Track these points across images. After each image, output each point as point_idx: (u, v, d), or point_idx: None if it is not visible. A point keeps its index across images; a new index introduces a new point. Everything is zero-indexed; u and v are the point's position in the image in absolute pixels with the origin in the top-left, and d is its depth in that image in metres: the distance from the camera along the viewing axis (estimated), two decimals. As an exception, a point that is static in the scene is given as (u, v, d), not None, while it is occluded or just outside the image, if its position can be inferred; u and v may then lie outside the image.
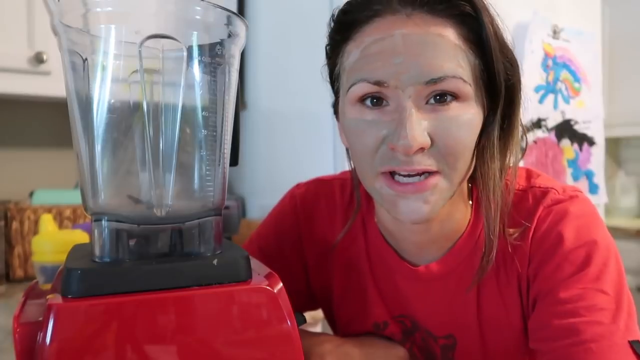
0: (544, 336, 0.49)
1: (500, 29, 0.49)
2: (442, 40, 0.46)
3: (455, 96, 0.47)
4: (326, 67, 0.57)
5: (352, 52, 0.49)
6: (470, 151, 0.49)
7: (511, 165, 0.53)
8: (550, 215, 0.53)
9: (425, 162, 0.47)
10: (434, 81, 0.45)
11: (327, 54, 0.55)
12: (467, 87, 0.47)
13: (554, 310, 0.49)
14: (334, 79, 0.55)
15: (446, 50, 0.46)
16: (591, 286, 0.48)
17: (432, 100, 0.47)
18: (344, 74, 0.52)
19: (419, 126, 0.45)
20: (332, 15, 0.53)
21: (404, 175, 0.48)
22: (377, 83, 0.47)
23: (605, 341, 0.45)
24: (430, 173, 0.48)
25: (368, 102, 0.48)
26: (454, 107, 0.47)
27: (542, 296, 0.51)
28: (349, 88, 0.49)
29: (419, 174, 0.47)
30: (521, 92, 0.51)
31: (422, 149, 0.46)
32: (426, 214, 0.48)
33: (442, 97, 0.46)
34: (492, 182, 0.50)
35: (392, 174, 0.49)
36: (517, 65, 0.51)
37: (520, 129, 0.53)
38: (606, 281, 0.49)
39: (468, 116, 0.47)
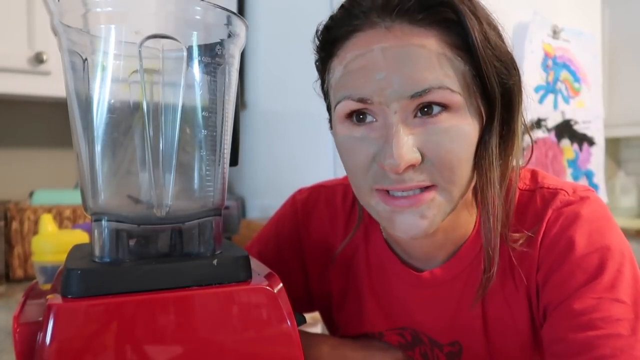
0: (559, 351, 0.47)
1: (493, 31, 0.47)
2: (424, 50, 0.44)
3: (444, 106, 0.45)
4: (319, 83, 0.56)
5: (336, 69, 0.48)
6: (468, 163, 0.47)
7: (514, 165, 0.50)
8: (560, 218, 0.50)
9: (418, 178, 0.45)
10: (419, 94, 0.44)
11: (317, 69, 0.54)
12: (457, 97, 0.45)
13: (569, 323, 0.47)
14: (325, 95, 0.54)
15: (429, 61, 0.44)
16: (606, 295, 0.46)
17: (419, 114, 0.45)
18: (331, 90, 0.50)
19: (406, 143, 0.44)
20: (317, 31, 0.52)
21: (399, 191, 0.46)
22: (361, 100, 0.45)
23: (624, 356, 0.43)
24: (426, 187, 0.46)
25: (354, 118, 0.47)
26: (444, 119, 0.45)
27: (554, 306, 0.49)
28: (336, 106, 0.48)
29: (414, 189, 0.46)
30: (521, 97, 0.49)
31: (412, 166, 0.45)
32: (424, 229, 0.46)
33: (429, 109, 0.45)
34: (489, 192, 0.48)
35: (387, 190, 0.47)
36: (515, 68, 0.48)
37: (521, 133, 0.51)
38: (622, 289, 0.46)
39: (462, 129, 0.45)
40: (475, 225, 0.55)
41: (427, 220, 0.46)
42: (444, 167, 0.45)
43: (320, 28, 0.51)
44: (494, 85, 0.47)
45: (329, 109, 0.54)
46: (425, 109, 0.45)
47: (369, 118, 0.47)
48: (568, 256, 0.49)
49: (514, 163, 0.51)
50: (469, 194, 0.54)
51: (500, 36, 0.48)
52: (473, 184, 0.50)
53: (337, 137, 0.51)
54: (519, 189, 0.54)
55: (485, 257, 0.50)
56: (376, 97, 0.45)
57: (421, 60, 0.44)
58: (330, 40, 0.49)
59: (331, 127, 0.55)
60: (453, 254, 0.56)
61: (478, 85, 0.47)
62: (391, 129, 0.44)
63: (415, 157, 0.44)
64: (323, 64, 0.52)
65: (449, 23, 0.45)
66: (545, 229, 0.51)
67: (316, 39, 0.52)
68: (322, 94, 0.55)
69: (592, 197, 0.52)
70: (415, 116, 0.45)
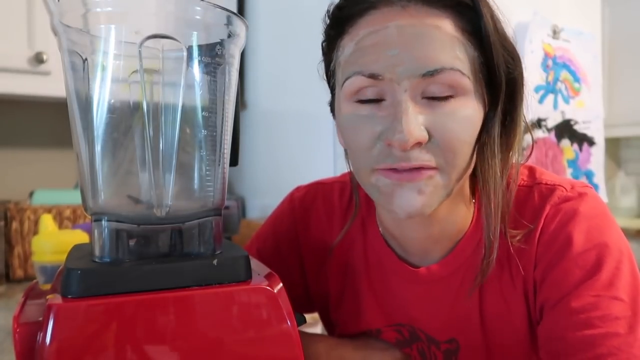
0: (556, 349, 0.47)
1: (500, 21, 0.48)
2: (439, 31, 0.44)
3: (454, 90, 0.45)
4: (322, 65, 0.56)
5: (347, 46, 0.48)
6: (470, 147, 0.48)
7: (513, 162, 0.51)
8: (558, 214, 0.50)
9: (423, 158, 0.45)
10: (431, 73, 0.44)
11: (322, 50, 0.55)
12: (466, 80, 0.45)
13: (567, 322, 0.47)
14: (330, 76, 0.54)
15: (443, 42, 0.44)
16: (604, 293, 0.46)
17: (428, 95, 0.45)
18: (339, 68, 0.51)
19: (415, 120, 0.44)
20: (327, 11, 0.52)
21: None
22: (372, 76, 0.45)
23: (623, 354, 0.43)
24: (428, 168, 0.46)
25: (363, 98, 0.47)
26: (452, 102, 0.45)
27: (552, 304, 0.49)
28: (344, 82, 0.48)
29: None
30: (524, 88, 0.50)
31: (419, 144, 0.45)
32: (420, 206, 0.46)
33: (439, 94, 0.45)
34: (492, 180, 0.49)
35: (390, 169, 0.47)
36: (519, 59, 0.49)
37: (523, 125, 0.51)
38: (620, 286, 0.46)
39: (468, 112, 0.46)
40: (472, 221, 0.55)
41: (424, 196, 0.46)
42: (448, 149, 0.46)
43: (332, 7, 0.51)
44: (501, 73, 0.47)
45: (332, 89, 0.54)
46: (434, 91, 0.45)
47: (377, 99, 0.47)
48: (566, 253, 0.49)
49: (514, 160, 0.51)
50: (467, 188, 0.54)
51: (504, 28, 0.49)
52: (470, 171, 0.50)
53: (341, 115, 0.50)
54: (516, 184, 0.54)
55: (485, 242, 0.50)
56: (387, 73, 0.45)
57: (435, 40, 0.44)
58: (342, 18, 0.49)
59: (332, 110, 0.55)
60: (450, 251, 0.56)
61: (484, 72, 0.48)
62: (400, 106, 0.45)
63: (423, 135, 0.45)
64: (331, 42, 0.52)
65: (462, 8, 0.46)
66: (543, 225, 0.51)
67: (326, 17, 0.52)
68: (325, 77, 0.56)
69: (590, 194, 0.52)
70: (423, 97, 0.46)
